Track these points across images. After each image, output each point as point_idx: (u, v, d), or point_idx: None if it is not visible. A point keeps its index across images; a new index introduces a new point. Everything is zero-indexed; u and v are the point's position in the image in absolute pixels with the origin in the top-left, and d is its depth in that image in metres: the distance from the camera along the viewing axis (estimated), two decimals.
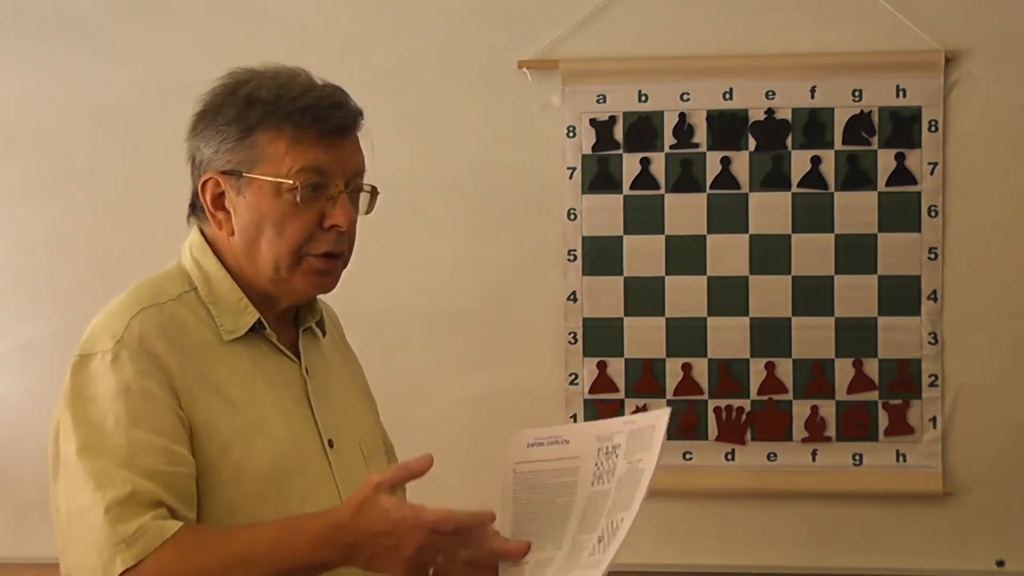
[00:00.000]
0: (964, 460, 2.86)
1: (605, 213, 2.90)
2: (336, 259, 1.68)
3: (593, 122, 2.90)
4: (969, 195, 2.83)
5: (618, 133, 2.90)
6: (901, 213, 2.85)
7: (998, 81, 2.81)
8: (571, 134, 2.91)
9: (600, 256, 2.91)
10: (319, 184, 1.64)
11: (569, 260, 2.92)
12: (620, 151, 2.90)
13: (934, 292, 2.85)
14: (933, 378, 2.85)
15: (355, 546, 1.47)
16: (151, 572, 1.47)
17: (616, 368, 2.92)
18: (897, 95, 2.84)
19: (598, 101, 2.90)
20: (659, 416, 1.60)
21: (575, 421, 2.92)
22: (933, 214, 2.84)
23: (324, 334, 1.82)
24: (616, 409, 2.91)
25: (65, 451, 1.55)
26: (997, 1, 2.81)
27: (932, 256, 2.84)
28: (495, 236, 2.94)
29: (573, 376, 2.93)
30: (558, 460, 1.66)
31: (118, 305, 1.64)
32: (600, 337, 2.92)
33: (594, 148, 2.91)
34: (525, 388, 2.93)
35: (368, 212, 1.75)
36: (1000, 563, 2.87)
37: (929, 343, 2.85)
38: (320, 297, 1.88)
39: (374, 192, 1.76)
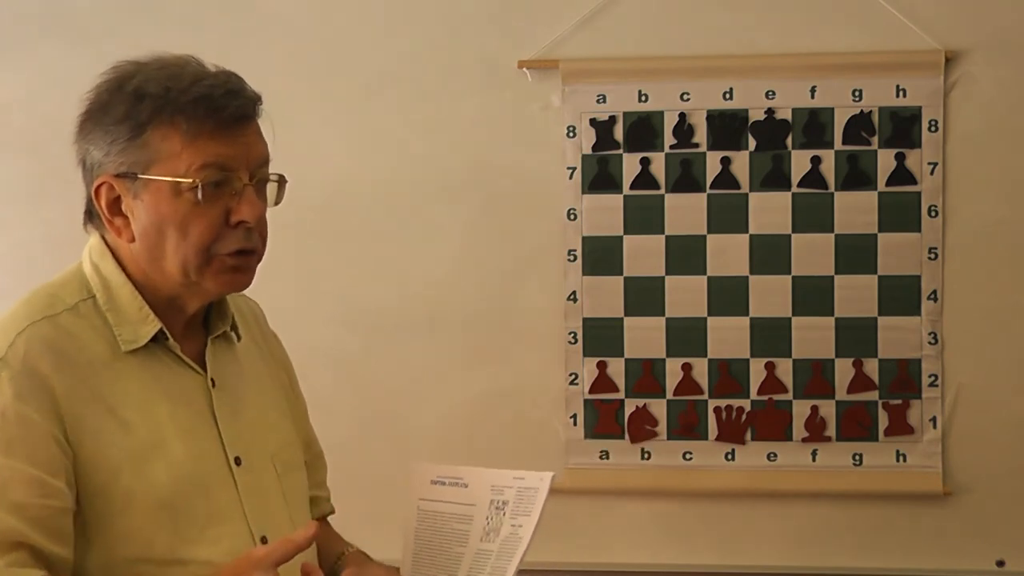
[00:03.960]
0: (964, 460, 2.86)
1: (605, 213, 2.90)
2: (249, 255, 1.56)
3: (593, 122, 2.90)
4: (969, 195, 2.83)
5: (618, 133, 2.90)
6: (901, 213, 2.85)
7: (998, 81, 2.81)
8: (571, 134, 2.91)
9: (600, 256, 2.91)
10: (222, 180, 1.52)
11: (569, 260, 2.92)
12: (620, 151, 2.90)
13: (934, 292, 2.84)
14: (933, 378, 2.85)
15: None
16: None
17: (616, 368, 2.92)
18: (897, 95, 2.84)
19: (598, 101, 2.90)
20: (542, 479, 1.61)
21: (575, 422, 2.92)
22: (933, 214, 2.84)
23: (239, 339, 1.70)
24: (616, 409, 2.91)
25: None
26: (997, 1, 2.81)
27: (932, 256, 2.84)
28: (495, 236, 2.94)
29: (573, 376, 2.93)
30: (457, 504, 1.67)
31: (8, 317, 1.54)
32: (600, 337, 2.92)
33: (594, 148, 2.90)
34: (525, 388, 2.93)
35: (277, 203, 1.61)
36: (1000, 563, 2.86)
37: (929, 343, 2.85)
38: (246, 293, 1.75)
39: (282, 181, 1.60)
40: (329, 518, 1.86)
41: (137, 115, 1.52)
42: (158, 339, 1.57)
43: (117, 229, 1.57)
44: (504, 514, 1.62)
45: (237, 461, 1.60)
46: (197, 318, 1.63)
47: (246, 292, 1.74)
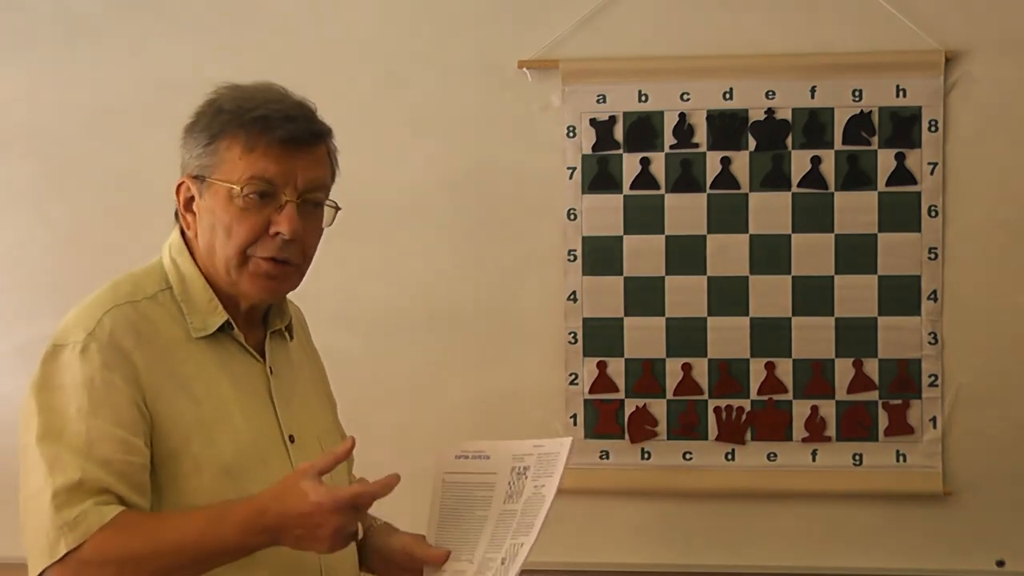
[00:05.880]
0: (964, 460, 2.86)
1: (605, 213, 2.90)
2: (286, 266, 1.74)
3: (593, 122, 2.90)
4: (969, 195, 2.83)
5: (618, 133, 2.90)
6: (901, 213, 2.85)
7: (998, 81, 2.81)
8: (571, 134, 2.91)
9: (600, 256, 2.91)
10: (267, 192, 1.70)
11: (569, 260, 2.92)
12: (620, 151, 2.90)
13: (934, 292, 2.85)
14: (933, 378, 2.85)
15: (279, 528, 1.58)
16: (91, 553, 1.57)
17: (616, 368, 2.92)
18: (897, 95, 2.84)
19: (598, 101, 2.90)
20: (563, 444, 1.73)
21: (575, 422, 2.93)
22: (933, 214, 2.84)
23: (292, 338, 1.90)
24: (616, 409, 2.91)
25: (27, 437, 1.63)
26: (997, 1, 2.81)
27: (932, 256, 2.84)
28: (495, 236, 2.94)
29: (573, 376, 2.93)
30: (480, 474, 1.78)
31: (95, 299, 1.72)
32: (600, 337, 2.92)
33: (594, 148, 2.90)
34: (525, 388, 2.93)
35: (328, 225, 1.80)
36: (1000, 563, 2.87)
37: (929, 343, 2.85)
38: (293, 299, 1.94)
39: (336, 208, 1.80)
40: None
41: (212, 127, 1.72)
42: (224, 328, 1.76)
43: (187, 223, 1.77)
44: (526, 478, 1.72)
45: (291, 439, 1.79)
46: (256, 314, 1.82)
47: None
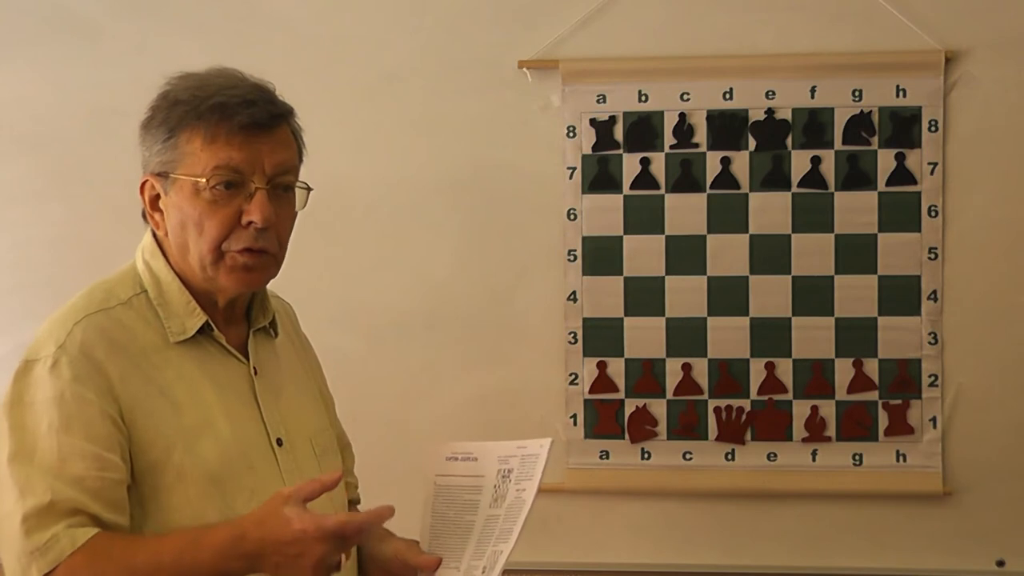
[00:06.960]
0: (964, 460, 2.86)
1: (605, 213, 2.90)
2: (262, 255, 1.67)
3: (593, 122, 2.90)
4: (969, 195, 2.83)
5: (618, 133, 2.90)
6: (901, 213, 2.85)
7: (998, 81, 2.81)
8: (571, 134, 2.91)
9: (600, 256, 2.91)
10: (234, 182, 1.64)
11: (569, 260, 2.92)
12: (620, 151, 2.90)
13: (934, 292, 2.85)
14: (933, 378, 2.85)
15: (258, 555, 1.52)
16: None
17: (616, 368, 2.92)
18: (897, 95, 2.84)
19: (598, 101, 2.90)
20: (543, 445, 1.72)
21: (575, 422, 2.93)
22: (933, 214, 2.84)
23: (277, 334, 1.83)
24: (616, 409, 2.91)
25: None
26: (997, 1, 2.81)
27: (932, 256, 2.84)
28: (495, 236, 2.94)
29: (573, 376, 2.93)
30: (468, 477, 1.77)
31: (66, 310, 1.67)
32: (600, 337, 2.92)
33: (594, 148, 2.90)
34: (525, 388, 2.93)
35: (301, 208, 1.74)
36: (1000, 563, 2.87)
37: (929, 343, 2.85)
38: (279, 294, 1.90)
39: (308, 189, 1.74)
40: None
41: (170, 120, 1.66)
42: (204, 330, 1.70)
43: (156, 223, 1.71)
44: (510, 481, 1.71)
45: (279, 442, 1.72)
46: (238, 311, 1.76)
47: (279, 293, 1.90)
